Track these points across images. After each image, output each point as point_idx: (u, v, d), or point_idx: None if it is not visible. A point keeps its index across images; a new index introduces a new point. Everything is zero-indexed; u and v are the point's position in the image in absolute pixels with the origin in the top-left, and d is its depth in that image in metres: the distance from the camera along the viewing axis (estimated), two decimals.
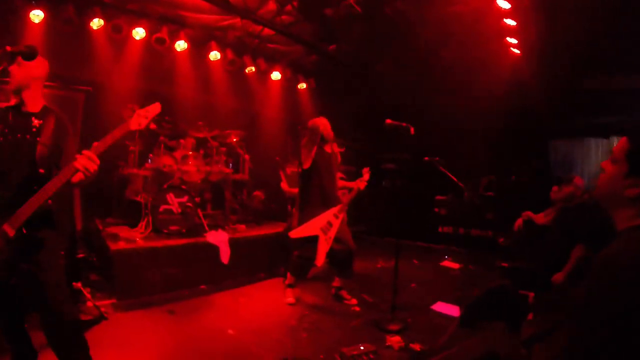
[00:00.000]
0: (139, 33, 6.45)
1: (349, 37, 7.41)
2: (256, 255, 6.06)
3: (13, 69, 2.48)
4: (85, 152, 2.32)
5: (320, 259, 4.56)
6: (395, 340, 3.80)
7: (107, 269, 4.80)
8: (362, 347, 3.52)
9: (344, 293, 5.09)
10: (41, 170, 2.49)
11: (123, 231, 5.45)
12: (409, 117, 4.43)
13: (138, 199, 5.86)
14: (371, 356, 3.45)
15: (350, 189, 5.17)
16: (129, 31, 6.37)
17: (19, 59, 2.41)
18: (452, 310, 4.76)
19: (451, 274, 6.80)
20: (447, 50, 7.66)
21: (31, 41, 5.39)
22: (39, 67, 2.62)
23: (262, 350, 3.64)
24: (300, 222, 4.76)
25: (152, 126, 5.89)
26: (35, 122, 2.57)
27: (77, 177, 2.40)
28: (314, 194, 4.82)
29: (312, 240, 4.58)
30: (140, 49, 6.71)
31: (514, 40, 6.86)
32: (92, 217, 5.78)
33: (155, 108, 2.60)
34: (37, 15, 5.50)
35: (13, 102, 2.58)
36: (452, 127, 9.17)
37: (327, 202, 4.79)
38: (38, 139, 2.52)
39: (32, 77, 2.59)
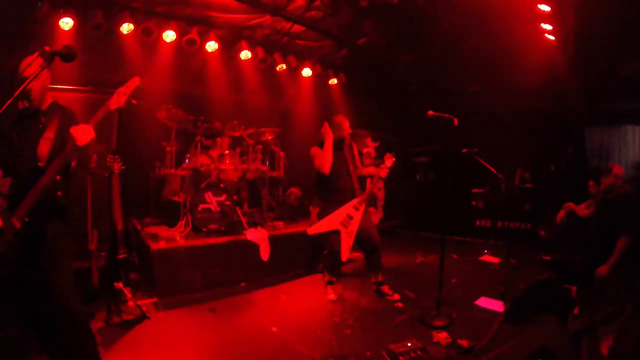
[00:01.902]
0: (169, 35, 6.47)
1: (380, 28, 7.29)
2: (295, 252, 6.03)
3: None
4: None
5: (345, 254, 4.57)
6: (442, 337, 3.68)
7: (148, 268, 4.84)
8: (409, 344, 3.42)
9: (385, 288, 4.97)
10: (40, 164, 2.54)
11: (162, 231, 5.51)
12: (441, 108, 4.30)
13: (176, 198, 5.92)
14: (419, 353, 3.34)
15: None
16: (159, 34, 6.38)
17: (57, 59, 2.41)
18: (495, 305, 4.60)
19: (491, 269, 6.58)
20: (479, 38, 7.43)
21: None
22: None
23: (307, 347, 3.58)
24: (319, 218, 4.78)
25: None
26: (43, 119, 2.67)
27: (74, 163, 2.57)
28: (329, 192, 4.84)
29: (336, 234, 4.63)
30: (171, 50, 6.75)
31: (548, 27, 6.59)
32: (129, 217, 5.85)
33: (134, 82, 2.69)
34: (66, 23, 5.56)
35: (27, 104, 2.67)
36: (485, 116, 8.96)
37: (343, 199, 4.78)
38: (43, 134, 2.60)
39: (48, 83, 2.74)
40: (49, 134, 2.61)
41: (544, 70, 7.64)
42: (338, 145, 4.91)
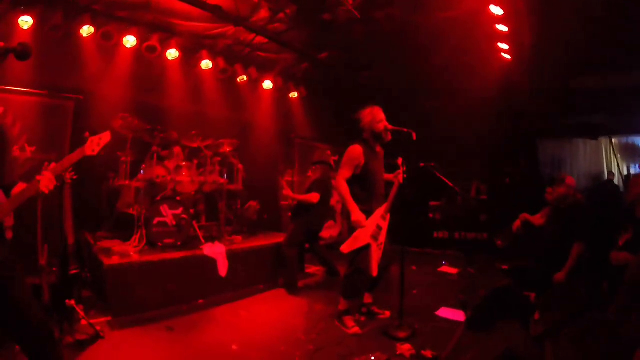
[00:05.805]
0: (129, 41, 6.26)
1: (342, 43, 7.35)
2: (254, 267, 5.89)
3: None
4: (45, 173, 2.35)
5: (375, 269, 4.17)
6: (405, 348, 3.69)
7: (101, 284, 4.60)
8: (372, 357, 3.41)
9: (375, 308, 4.71)
10: None
11: (116, 245, 5.25)
12: (400, 122, 4.33)
13: (130, 211, 5.68)
14: None
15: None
16: (119, 39, 6.18)
17: (11, 57, 2.25)
18: (456, 314, 4.69)
19: (450, 279, 6.76)
20: (439, 55, 7.63)
21: None
22: None
23: None
24: (349, 233, 4.21)
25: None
26: None
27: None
28: (365, 202, 4.24)
29: (366, 250, 4.16)
30: (131, 57, 6.53)
31: (505, 46, 6.89)
32: (81, 231, 5.56)
33: (106, 136, 2.68)
34: (25, 22, 5.32)
35: None
36: (443, 130, 9.22)
37: (376, 207, 4.30)
38: None
39: None
40: None
41: (500, 86, 7.95)
42: (377, 142, 4.43)
